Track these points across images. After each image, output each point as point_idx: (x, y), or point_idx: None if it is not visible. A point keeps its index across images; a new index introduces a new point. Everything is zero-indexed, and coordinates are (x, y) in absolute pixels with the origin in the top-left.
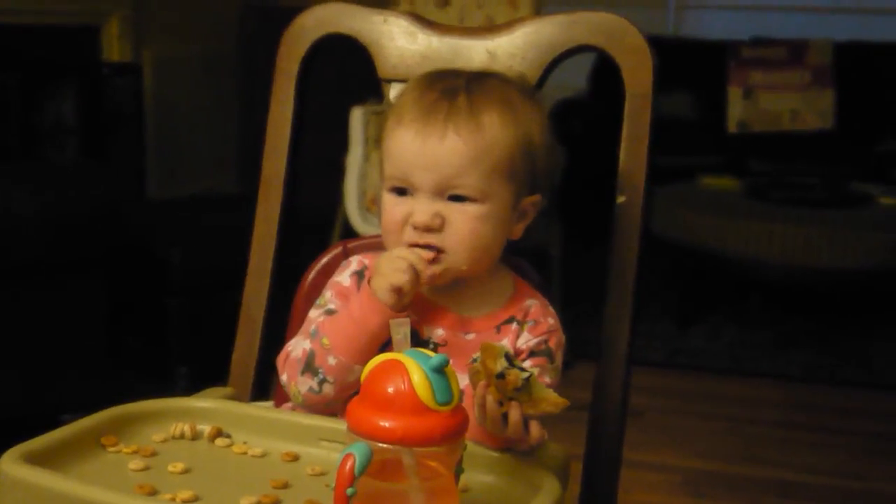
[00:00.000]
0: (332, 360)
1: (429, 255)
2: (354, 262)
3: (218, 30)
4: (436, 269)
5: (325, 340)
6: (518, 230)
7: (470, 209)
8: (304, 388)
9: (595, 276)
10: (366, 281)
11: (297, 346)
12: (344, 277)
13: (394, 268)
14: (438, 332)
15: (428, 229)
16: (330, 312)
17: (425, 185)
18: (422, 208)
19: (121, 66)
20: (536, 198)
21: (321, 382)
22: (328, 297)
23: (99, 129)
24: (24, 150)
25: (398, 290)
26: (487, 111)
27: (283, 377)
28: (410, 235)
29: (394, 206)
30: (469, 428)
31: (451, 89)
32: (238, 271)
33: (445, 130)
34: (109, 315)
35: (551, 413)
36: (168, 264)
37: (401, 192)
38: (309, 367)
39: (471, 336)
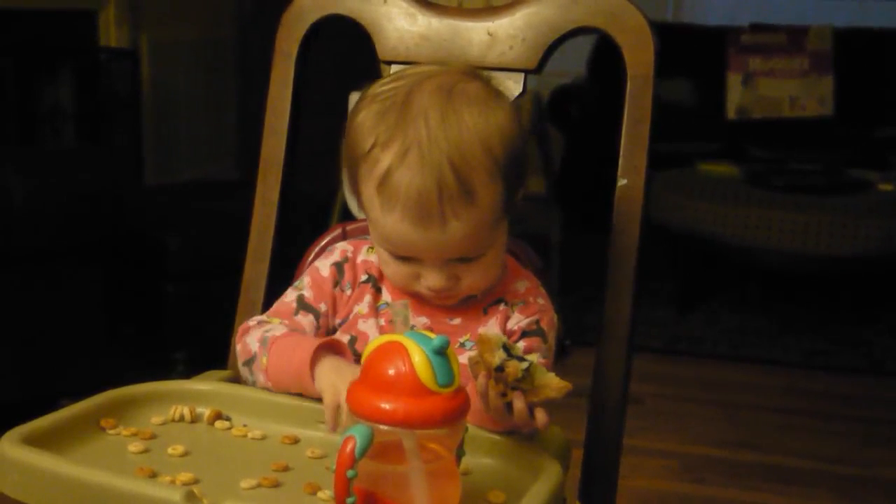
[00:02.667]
0: (261, 378)
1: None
2: (337, 252)
3: (216, 15)
4: (449, 302)
5: (265, 360)
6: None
7: (479, 264)
8: (241, 374)
9: (593, 262)
10: (316, 364)
11: (252, 337)
12: (323, 266)
13: (327, 392)
14: (422, 319)
15: (443, 291)
16: (301, 300)
17: (432, 261)
18: (435, 276)
19: (118, 51)
20: (524, 188)
21: (253, 383)
22: (305, 282)
23: (96, 114)
24: (21, 135)
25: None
26: (477, 175)
27: (237, 348)
28: (426, 292)
29: (399, 266)
30: (470, 411)
31: (429, 150)
32: (235, 257)
33: (444, 218)
34: (107, 300)
35: (555, 398)
36: (165, 250)
37: (404, 258)
38: (247, 365)
39: (456, 321)
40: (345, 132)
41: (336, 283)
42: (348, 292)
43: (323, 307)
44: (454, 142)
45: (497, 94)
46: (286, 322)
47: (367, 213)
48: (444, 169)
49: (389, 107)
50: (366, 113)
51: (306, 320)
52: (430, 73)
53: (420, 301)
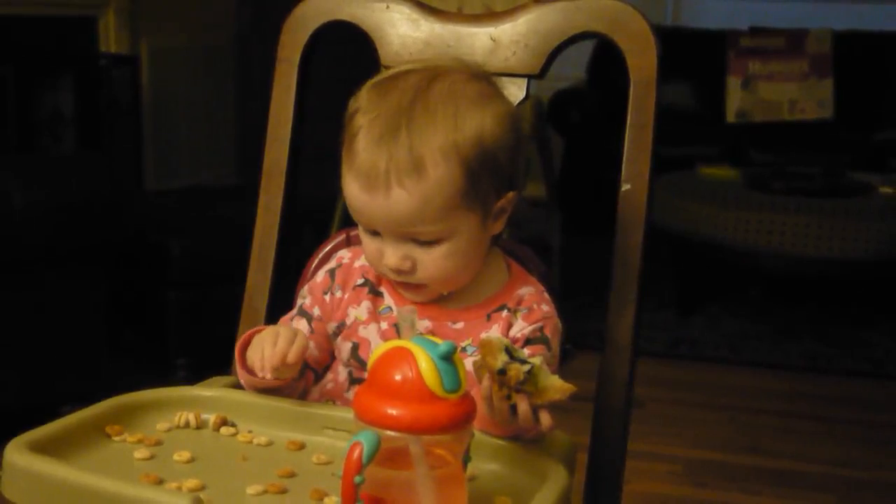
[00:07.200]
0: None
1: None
2: (334, 259)
3: (215, 20)
4: (418, 295)
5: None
6: (498, 226)
7: (436, 251)
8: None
9: (594, 267)
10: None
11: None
12: (320, 273)
13: (259, 346)
14: (424, 323)
15: (399, 272)
16: (300, 308)
17: (387, 233)
18: (391, 252)
19: (118, 57)
20: (510, 195)
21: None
22: (306, 290)
23: (96, 120)
24: (21, 141)
25: (251, 368)
26: (429, 147)
27: None
28: (388, 273)
29: (369, 243)
30: (476, 416)
31: (393, 125)
32: (237, 262)
33: (389, 184)
34: (108, 306)
35: (559, 400)
36: (167, 255)
37: (371, 231)
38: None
39: (459, 325)
40: None
41: (327, 289)
42: (338, 294)
43: (316, 311)
44: (417, 118)
45: (489, 93)
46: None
47: (342, 178)
48: (400, 139)
49: (381, 80)
50: (365, 85)
51: (301, 324)
52: (437, 63)
53: (422, 305)
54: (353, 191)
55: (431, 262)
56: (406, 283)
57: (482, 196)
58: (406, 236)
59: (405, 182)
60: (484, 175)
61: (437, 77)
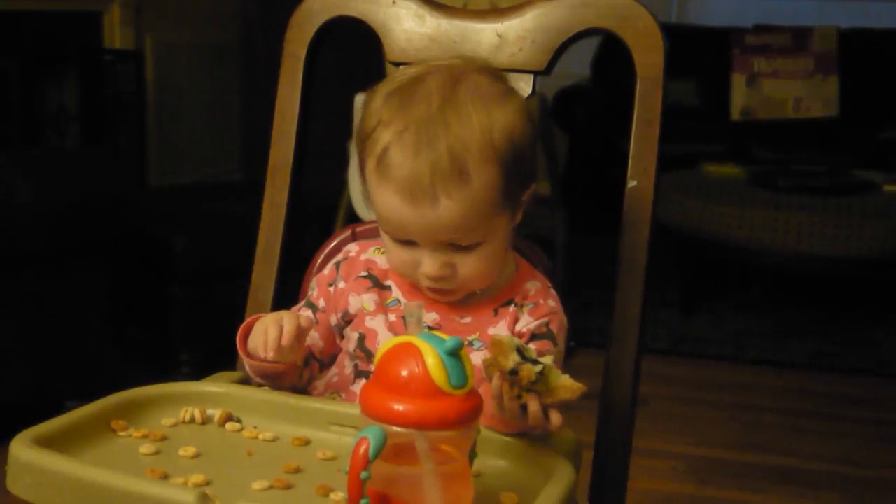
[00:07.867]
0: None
1: (307, 320)
2: (342, 252)
3: (220, 17)
4: (449, 298)
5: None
6: (517, 218)
7: (475, 254)
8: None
9: (598, 263)
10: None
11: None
12: (327, 266)
13: (262, 328)
14: (432, 316)
15: (439, 279)
16: (308, 299)
17: (427, 242)
18: (430, 261)
19: (123, 52)
20: (531, 188)
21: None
22: (312, 283)
23: (101, 116)
24: (26, 136)
25: (250, 353)
26: (469, 151)
27: None
28: (424, 281)
29: (399, 253)
30: (483, 413)
31: (428, 133)
32: (241, 258)
33: (435, 195)
34: (112, 302)
35: (569, 400)
36: (171, 251)
37: (403, 241)
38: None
39: (467, 319)
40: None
41: (332, 281)
42: (341, 285)
43: (321, 303)
44: (452, 123)
45: (507, 90)
46: None
47: (370, 192)
48: (439, 146)
49: (397, 89)
50: (377, 95)
51: (305, 315)
52: (446, 63)
53: (430, 298)
54: (394, 204)
55: (470, 265)
56: (440, 290)
57: (514, 193)
58: (445, 243)
59: (451, 191)
60: (516, 172)
61: (458, 79)
